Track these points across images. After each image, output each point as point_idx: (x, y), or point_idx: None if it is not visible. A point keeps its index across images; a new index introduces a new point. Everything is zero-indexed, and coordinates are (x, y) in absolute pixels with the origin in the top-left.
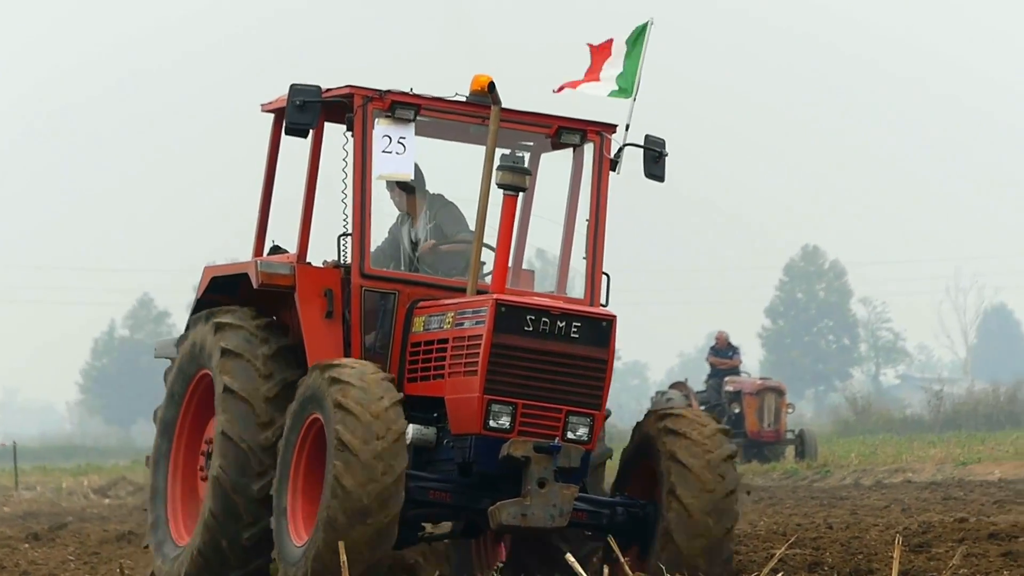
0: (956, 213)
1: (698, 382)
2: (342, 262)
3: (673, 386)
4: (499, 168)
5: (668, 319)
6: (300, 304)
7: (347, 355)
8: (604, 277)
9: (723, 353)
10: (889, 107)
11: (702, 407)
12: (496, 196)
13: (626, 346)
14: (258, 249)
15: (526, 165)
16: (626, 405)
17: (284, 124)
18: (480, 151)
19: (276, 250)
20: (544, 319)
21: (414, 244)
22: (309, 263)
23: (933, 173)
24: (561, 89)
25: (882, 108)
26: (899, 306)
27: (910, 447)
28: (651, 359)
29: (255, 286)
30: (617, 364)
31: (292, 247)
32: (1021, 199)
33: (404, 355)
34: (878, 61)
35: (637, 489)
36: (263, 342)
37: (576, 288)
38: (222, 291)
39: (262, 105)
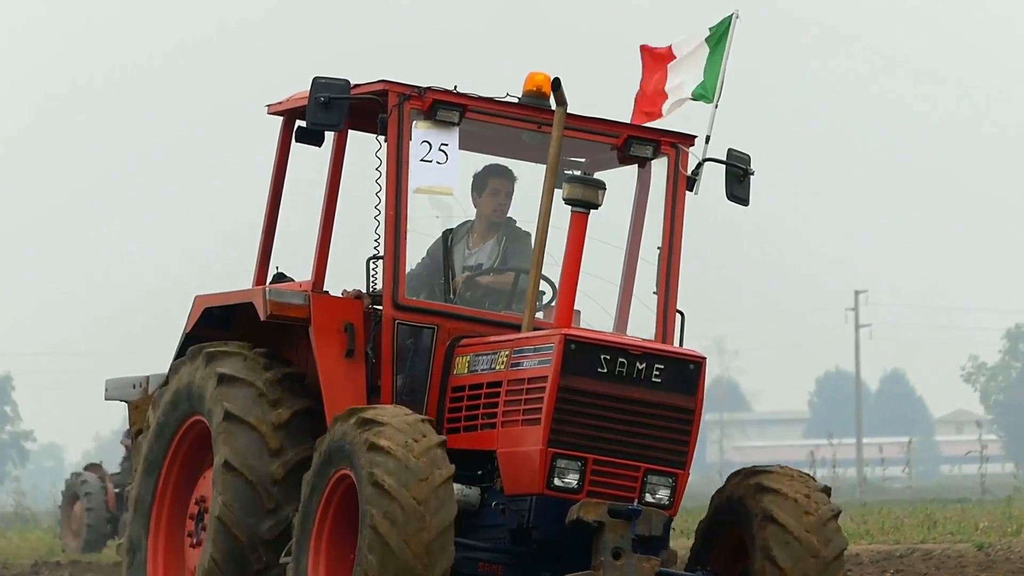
0: None
1: (113, 464)
2: (372, 290)
3: (88, 468)
4: (568, 181)
5: (84, 400)
6: (316, 340)
7: (371, 401)
8: (678, 315)
9: None
10: None
11: (116, 489)
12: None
13: (40, 428)
14: (260, 277)
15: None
16: (40, 487)
17: (295, 129)
18: (529, 168)
19: (280, 278)
20: (621, 359)
21: (469, 270)
22: (326, 292)
23: None
24: (650, 115)
25: None
26: None
27: None
28: (67, 441)
29: (263, 317)
30: (32, 446)
31: (297, 275)
32: None
33: (443, 402)
34: None
35: (720, 562)
36: (273, 401)
37: (636, 328)
38: (216, 324)
39: (268, 106)
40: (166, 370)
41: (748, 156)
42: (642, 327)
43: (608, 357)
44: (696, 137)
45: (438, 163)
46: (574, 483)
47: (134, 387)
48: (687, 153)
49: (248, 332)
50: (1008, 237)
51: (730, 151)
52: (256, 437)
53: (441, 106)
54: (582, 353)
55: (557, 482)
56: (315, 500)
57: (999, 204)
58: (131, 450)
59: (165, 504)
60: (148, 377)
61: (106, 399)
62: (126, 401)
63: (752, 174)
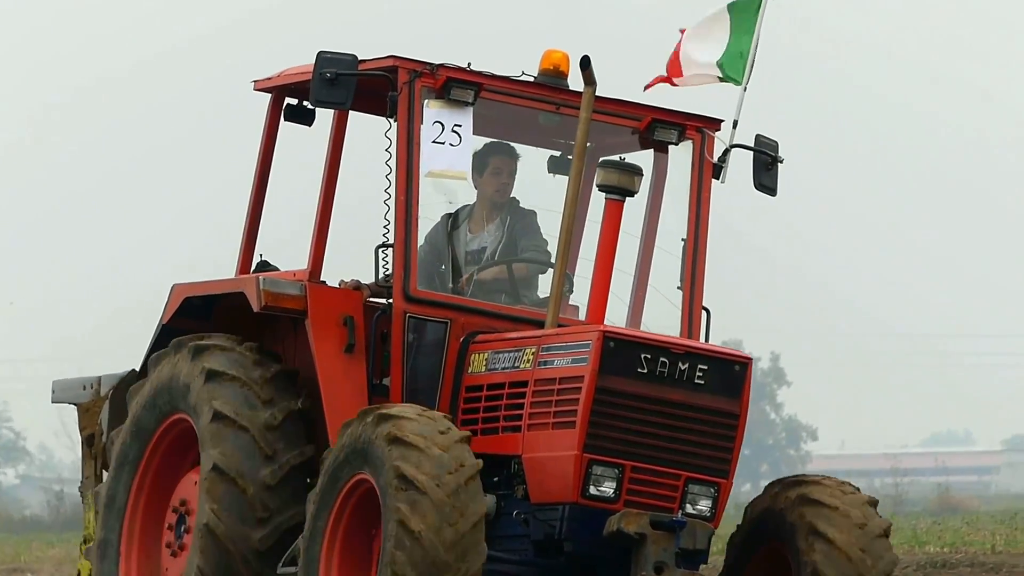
0: None
1: None
2: (381, 280)
3: None
4: (602, 166)
5: None
6: (313, 334)
7: (373, 400)
8: (703, 312)
9: None
10: None
11: None
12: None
13: None
14: (244, 265)
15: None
16: None
17: (284, 107)
18: (532, 150)
19: (263, 267)
20: (663, 359)
21: (473, 255)
22: (323, 282)
23: None
24: (659, 82)
25: None
26: (22, 407)
27: (29, 547)
28: None
29: (256, 308)
30: None
31: (282, 264)
32: None
33: (456, 402)
34: None
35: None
36: (266, 401)
37: (651, 321)
38: (195, 315)
39: (255, 82)
40: (120, 370)
41: (776, 142)
42: (656, 320)
43: (649, 356)
44: (723, 121)
45: (451, 145)
46: (610, 492)
47: (84, 388)
48: (713, 138)
49: (230, 324)
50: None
51: (758, 137)
52: (248, 440)
53: (455, 84)
54: (621, 352)
55: (592, 490)
56: (325, 512)
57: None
58: (83, 456)
59: (140, 506)
60: (100, 378)
61: (53, 402)
62: (75, 404)
63: (781, 161)
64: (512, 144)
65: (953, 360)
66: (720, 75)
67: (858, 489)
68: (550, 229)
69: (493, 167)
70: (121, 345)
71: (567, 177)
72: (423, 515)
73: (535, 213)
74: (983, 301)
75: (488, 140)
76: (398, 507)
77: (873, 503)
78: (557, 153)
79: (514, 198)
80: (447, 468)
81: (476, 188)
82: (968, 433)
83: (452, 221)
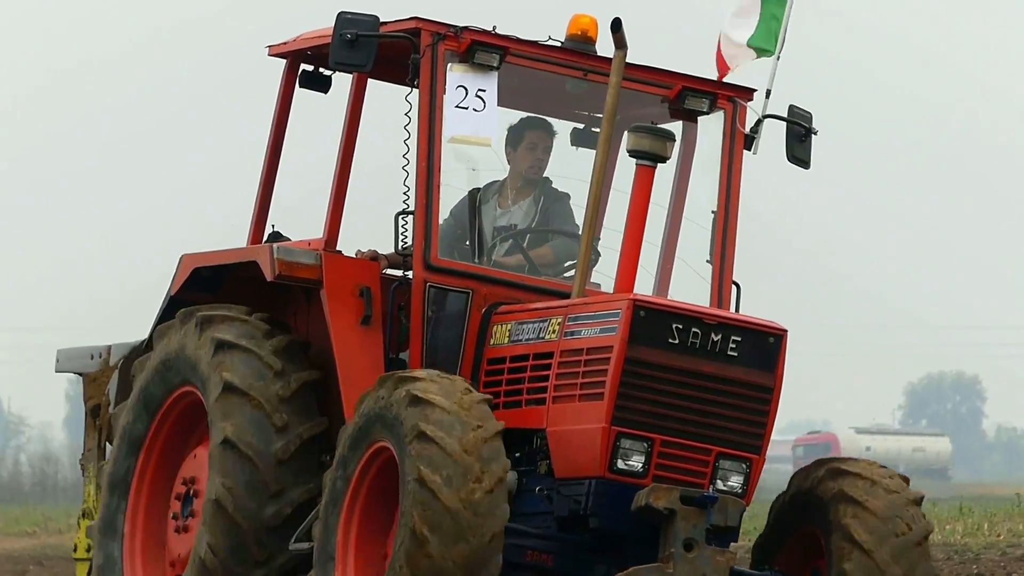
0: None
1: None
2: (401, 248)
3: None
4: (633, 131)
5: None
6: (329, 304)
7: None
8: (733, 287)
9: None
10: None
11: None
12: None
13: None
14: (256, 235)
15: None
16: None
17: (300, 73)
18: (562, 126)
19: (276, 237)
20: (695, 329)
21: (500, 231)
22: (339, 252)
23: None
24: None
25: None
26: None
27: None
28: None
29: (270, 278)
30: None
31: (296, 236)
32: None
33: (477, 375)
34: None
35: (792, 561)
36: (278, 372)
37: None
38: (204, 288)
39: (270, 47)
40: (131, 339)
41: (810, 114)
42: (684, 294)
43: (680, 326)
44: (756, 91)
45: (475, 110)
46: (638, 466)
47: (92, 358)
48: (745, 108)
49: (240, 297)
50: None
51: (791, 108)
52: (259, 412)
53: (480, 48)
54: (652, 321)
55: (620, 464)
56: (351, 465)
57: None
58: (87, 427)
59: (145, 483)
60: (110, 347)
61: (57, 371)
62: (81, 373)
63: (815, 133)
64: (549, 120)
65: (812, 349)
66: (755, 55)
67: (907, 480)
68: (576, 200)
69: (528, 142)
70: (127, 316)
71: (590, 150)
72: (437, 527)
73: (568, 196)
74: (850, 292)
75: (524, 114)
76: (413, 514)
77: (918, 501)
78: (580, 125)
79: (547, 178)
80: (471, 475)
81: (508, 162)
82: (826, 422)
83: (481, 195)
